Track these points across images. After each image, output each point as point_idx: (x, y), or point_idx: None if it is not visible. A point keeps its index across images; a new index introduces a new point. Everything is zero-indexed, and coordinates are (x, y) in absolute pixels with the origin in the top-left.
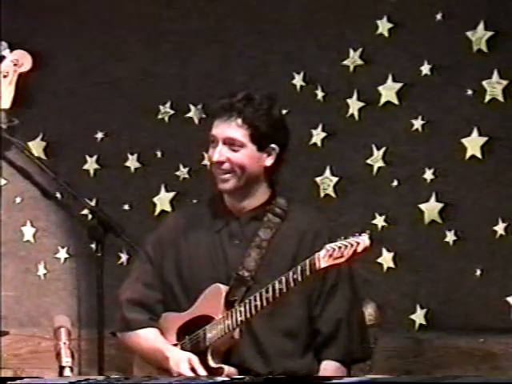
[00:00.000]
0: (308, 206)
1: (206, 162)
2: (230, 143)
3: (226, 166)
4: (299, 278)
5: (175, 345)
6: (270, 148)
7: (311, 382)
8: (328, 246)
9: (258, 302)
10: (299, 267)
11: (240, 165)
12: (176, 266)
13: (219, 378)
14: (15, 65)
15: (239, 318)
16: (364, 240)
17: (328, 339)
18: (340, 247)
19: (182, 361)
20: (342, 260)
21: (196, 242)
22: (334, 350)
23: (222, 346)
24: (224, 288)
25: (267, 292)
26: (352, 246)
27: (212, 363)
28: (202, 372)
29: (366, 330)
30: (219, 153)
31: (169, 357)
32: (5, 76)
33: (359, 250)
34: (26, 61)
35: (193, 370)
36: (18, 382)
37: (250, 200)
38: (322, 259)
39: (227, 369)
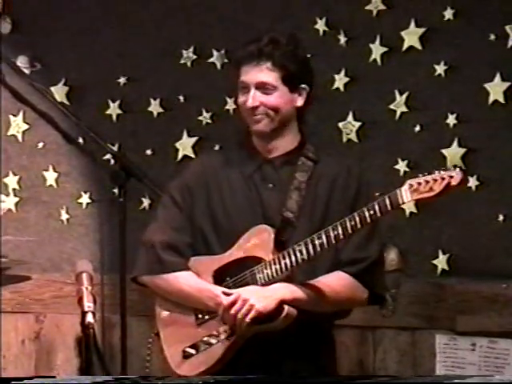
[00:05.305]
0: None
1: (228, 106)
2: (263, 87)
3: (261, 109)
4: (378, 214)
5: None
6: (300, 88)
7: (313, 382)
8: (412, 181)
9: (324, 240)
10: (376, 203)
11: (274, 107)
12: (208, 210)
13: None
14: None
15: (301, 257)
16: (457, 173)
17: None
18: (428, 181)
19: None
20: (433, 194)
21: (228, 185)
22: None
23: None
24: (271, 229)
25: (334, 230)
26: (444, 179)
27: None
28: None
29: None
30: (253, 98)
31: (219, 295)
32: None
33: (454, 183)
34: None
35: None
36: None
37: (280, 142)
38: (405, 194)
39: (287, 308)
